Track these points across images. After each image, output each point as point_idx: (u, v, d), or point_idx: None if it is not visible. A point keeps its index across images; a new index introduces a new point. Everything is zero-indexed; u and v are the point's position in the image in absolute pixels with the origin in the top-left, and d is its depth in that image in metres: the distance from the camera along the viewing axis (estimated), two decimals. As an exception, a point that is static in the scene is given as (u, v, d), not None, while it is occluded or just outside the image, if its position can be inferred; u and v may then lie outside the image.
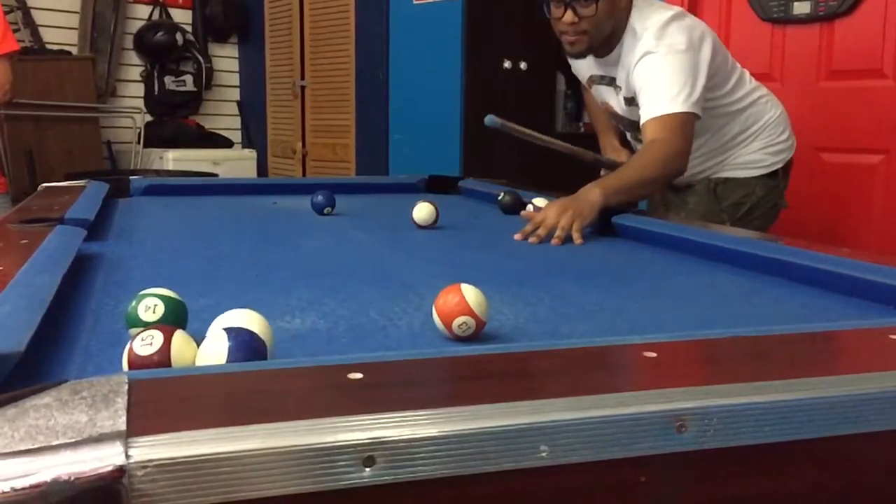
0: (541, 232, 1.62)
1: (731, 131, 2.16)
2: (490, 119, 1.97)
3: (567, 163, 3.38)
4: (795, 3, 2.92)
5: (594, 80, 2.23)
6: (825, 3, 2.83)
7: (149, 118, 5.19)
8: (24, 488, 0.44)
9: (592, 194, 1.73)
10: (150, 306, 0.80)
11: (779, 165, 2.21)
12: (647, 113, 1.92)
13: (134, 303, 0.80)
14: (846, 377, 0.65)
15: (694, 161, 2.06)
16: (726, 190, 2.19)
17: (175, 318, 0.80)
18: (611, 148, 2.44)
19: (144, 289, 0.84)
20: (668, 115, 1.89)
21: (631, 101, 2.07)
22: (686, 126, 1.91)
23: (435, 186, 2.52)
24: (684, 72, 1.92)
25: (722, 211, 2.17)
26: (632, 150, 2.34)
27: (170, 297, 0.81)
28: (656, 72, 1.93)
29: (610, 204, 1.75)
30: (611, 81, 2.15)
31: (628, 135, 2.34)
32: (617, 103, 2.18)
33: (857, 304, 1.08)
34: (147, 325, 0.78)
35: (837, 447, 0.63)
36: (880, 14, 2.71)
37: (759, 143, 2.18)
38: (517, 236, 1.64)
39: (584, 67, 2.24)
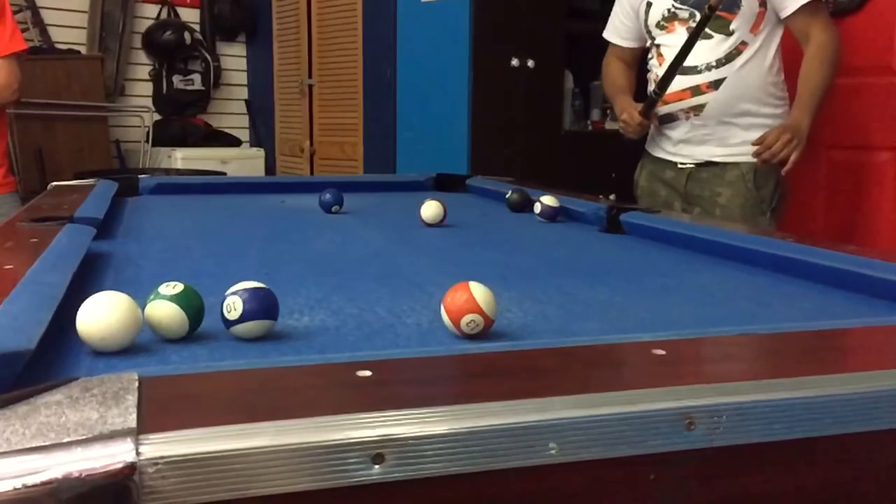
0: (774, 161, 2.08)
1: (764, 74, 2.23)
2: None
3: (576, 159, 3.36)
4: (804, 0, 2.90)
5: None
6: (834, 0, 2.81)
7: (157, 117, 5.20)
8: (35, 485, 0.44)
9: (804, 124, 2.09)
10: (170, 284, 0.83)
11: None
12: (792, 3, 2.15)
13: (156, 291, 0.84)
14: (856, 374, 0.65)
15: (731, 84, 2.20)
16: (760, 177, 2.19)
17: (191, 302, 0.83)
18: (627, 104, 2.43)
19: (154, 287, 0.85)
20: (811, 3, 2.14)
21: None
22: (827, 11, 2.23)
23: (443, 185, 2.52)
24: None
25: (762, 201, 2.17)
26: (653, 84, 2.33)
27: (191, 287, 0.84)
28: None
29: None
30: None
31: (663, 49, 2.32)
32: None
33: (866, 302, 1.08)
34: (166, 298, 0.81)
35: (847, 445, 0.63)
36: (889, 11, 2.70)
37: (776, 109, 2.23)
38: (761, 164, 2.12)
39: None
